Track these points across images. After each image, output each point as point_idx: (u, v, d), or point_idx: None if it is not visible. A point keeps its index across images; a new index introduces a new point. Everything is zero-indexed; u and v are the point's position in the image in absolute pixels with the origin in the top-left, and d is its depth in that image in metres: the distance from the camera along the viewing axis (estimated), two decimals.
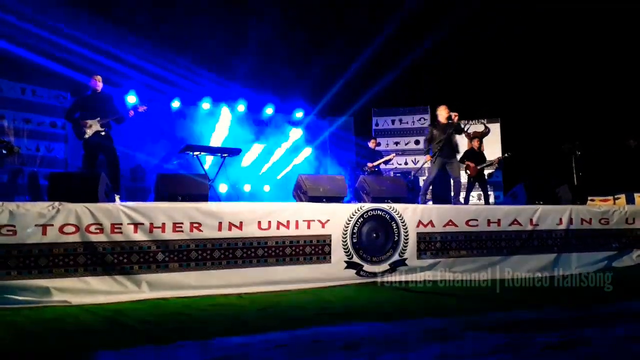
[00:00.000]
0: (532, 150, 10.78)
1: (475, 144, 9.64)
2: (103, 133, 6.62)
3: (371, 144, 10.15)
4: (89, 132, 6.55)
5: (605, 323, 3.84)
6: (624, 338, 3.32)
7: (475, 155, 9.43)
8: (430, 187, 8.61)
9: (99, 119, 6.59)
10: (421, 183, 8.54)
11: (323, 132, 12.40)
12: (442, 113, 7.94)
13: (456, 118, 7.83)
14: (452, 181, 8.12)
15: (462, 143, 10.62)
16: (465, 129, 10.86)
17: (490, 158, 9.67)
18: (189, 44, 10.01)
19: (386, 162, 10.11)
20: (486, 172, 9.71)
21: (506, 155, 9.71)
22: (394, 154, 10.49)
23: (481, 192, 9.53)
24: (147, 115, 7.05)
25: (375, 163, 9.70)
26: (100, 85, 6.76)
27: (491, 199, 10.32)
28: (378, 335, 3.46)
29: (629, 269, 6.92)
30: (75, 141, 7.80)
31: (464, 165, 9.03)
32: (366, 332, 3.55)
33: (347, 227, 5.82)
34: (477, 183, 9.42)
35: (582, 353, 2.98)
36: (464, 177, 9.03)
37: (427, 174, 8.33)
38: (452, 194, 8.11)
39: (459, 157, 8.29)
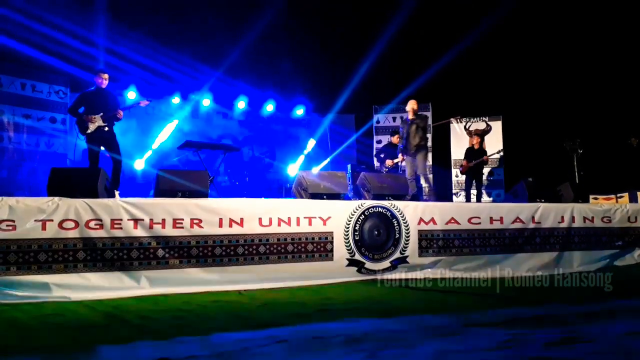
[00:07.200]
0: (534, 148, 10.75)
1: (476, 141, 9.61)
2: (106, 128, 6.70)
3: (395, 139, 9.32)
4: (92, 127, 6.61)
5: (606, 320, 3.82)
6: (624, 335, 3.32)
7: (475, 153, 9.42)
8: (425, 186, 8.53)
9: (102, 114, 6.63)
10: (422, 181, 8.44)
11: (324, 128, 12.36)
12: (408, 107, 7.96)
13: (412, 112, 7.88)
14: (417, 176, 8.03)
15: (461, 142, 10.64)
16: (467, 127, 10.90)
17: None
18: (190, 39, 9.98)
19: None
20: (485, 170, 9.69)
21: (496, 153, 9.66)
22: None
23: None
24: (147, 111, 7.04)
25: (396, 160, 8.99)
26: (105, 83, 6.82)
27: (486, 198, 10.30)
28: (379, 332, 3.44)
29: (630, 267, 6.90)
30: (75, 137, 7.79)
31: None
32: (367, 328, 3.53)
33: (349, 224, 5.79)
34: (474, 180, 9.41)
35: (583, 349, 2.97)
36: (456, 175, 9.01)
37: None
38: (415, 190, 7.91)
39: (423, 151, 8.09)
